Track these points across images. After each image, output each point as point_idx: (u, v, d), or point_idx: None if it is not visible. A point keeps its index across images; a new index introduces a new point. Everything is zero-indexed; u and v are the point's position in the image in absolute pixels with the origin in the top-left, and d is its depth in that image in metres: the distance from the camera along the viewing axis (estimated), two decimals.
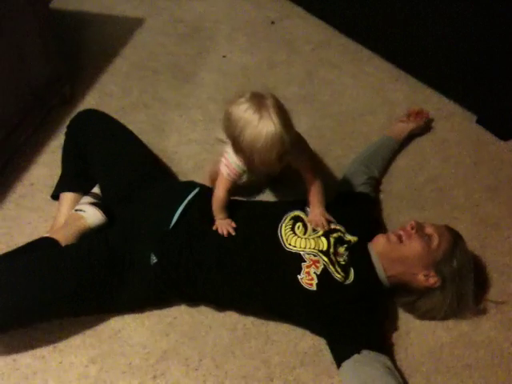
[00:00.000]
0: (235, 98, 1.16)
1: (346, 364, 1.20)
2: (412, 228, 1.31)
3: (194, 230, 1.33)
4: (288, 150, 1.15)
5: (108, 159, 1.48)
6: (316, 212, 1.35)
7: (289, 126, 1.14)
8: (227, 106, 1.17)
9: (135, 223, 1.36)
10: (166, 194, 1.42)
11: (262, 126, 1.10)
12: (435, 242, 1.29)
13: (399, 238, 1.31)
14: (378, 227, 1.51)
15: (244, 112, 1.13)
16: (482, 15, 1.71)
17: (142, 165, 1.51)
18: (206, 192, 1.40)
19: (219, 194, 1.32)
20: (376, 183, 1.67)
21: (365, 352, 1.19)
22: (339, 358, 1.23)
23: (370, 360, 1.18)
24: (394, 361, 1.27)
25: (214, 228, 1.33)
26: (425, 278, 1.29)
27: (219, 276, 1.29)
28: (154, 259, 1.30)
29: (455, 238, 1.33)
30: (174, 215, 1.33)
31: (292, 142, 1.15)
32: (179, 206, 1.35)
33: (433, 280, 1.29)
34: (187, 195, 1.38)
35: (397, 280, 1.33)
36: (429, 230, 1.32)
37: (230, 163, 1.29)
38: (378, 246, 1.33)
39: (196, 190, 1.41)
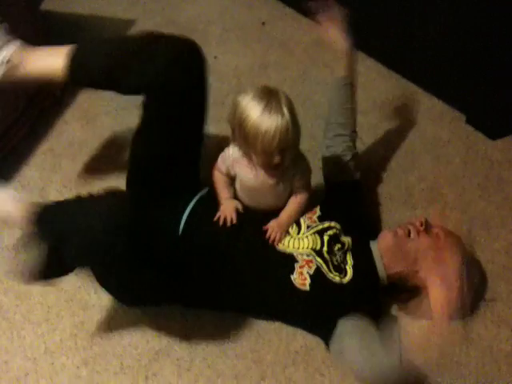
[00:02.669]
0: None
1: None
2: (421, 224, 1.33)
3: (199, 235, 1.32)
4: (291, 145, 1.15)
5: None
6: (273, 224, 1.31)
7: (295, 123, 1.14)
8: (235, 97, 1.17)
9: (150, 226, 1.29)
10: (174, 200, 1.38)
11: (269, 112, 1.10)
12: (442, 239, 1.31)
13: (408, 232, 1.33)
14: (374, 223, 1.52)
15: (252, 98, 1.13)
16: (470, 17, 1.72)
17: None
18: (211, 194, 1.39)
19: (213, 174, 1.36)
20: (354, 138, 1.55)
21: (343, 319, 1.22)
22: (325, 338, 1.26)
23: (349, 324, 1.21)
24: None
25: (216, 218, 1.31)
26: (425, 277, 1.29)
27: (219, 280, 1.29)
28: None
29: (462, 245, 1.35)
30: (180, 223, 1.32)
31: (297, 139, 1.16)
32: (184, 213, 1.34)
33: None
34: (192, 199, 1.37)
35: (396, 278, 1.33)
36: (436, 229, 1.34)
37: (223, 154, 1.32)
38: (383, 242, 1.34)
39: (199, 195, 1.39)
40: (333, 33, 1.44)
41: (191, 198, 1.37)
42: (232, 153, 1.29)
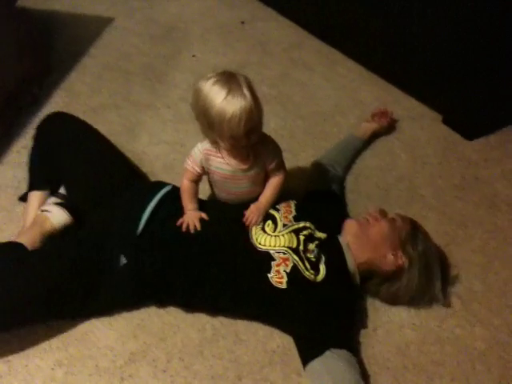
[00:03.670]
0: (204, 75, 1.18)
1: (312, 364, 1.21)
2: (376, 213, 1.42)
3: (163, 232, 1.33)
4: (256, 126, 1.17)
5: (79, 165, 1.45)
6: (252, 208, 1.34)
7: (258, 102, 1.16)
8: (196, 83, 1.17)
9: (104, 226, 1.34)
10: (135, 195, 1.41)
11: (232, 97, 1.11)
12: (398, 222, 1.40)
13: (367, 221, 1.40)
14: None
15: (213, 85, 1.13)
16: (447, 22, 1.74)
17: (113, 170, 1.48)
18: (176, 191, 1.40)
19: (182, 183, 1.36)
20: (341, 181, 1.69)
21: (331, 351, 1.20)
22: (305, 357, 1.24)
23: (335, 358, 1.19)
24: (359, 358, 1.28)
25: (178, 223, 1.32)
26: (394, 258, 1.34)
27: (190, 278, 1.29)
28: (123, 261, 1.28)
29: (414, 224, 1.43)
30: (141, 217, 1.33)
31: (261, 117, 1.19)
32: (146, 208, 1.34)
33: (401, 260, 1.34)
34: (155, 196, 1.37)
35: (367, 267, 1.35)
36: (391, 214, 1.44)
37: (191, 154, 1.32)
38: (350, 230, 1.39)
39: (164, 190, 1.40)
40: (372, 126, 1.85)
41: (152, 197, 1.37)
42: (201, 146, 1.30)
